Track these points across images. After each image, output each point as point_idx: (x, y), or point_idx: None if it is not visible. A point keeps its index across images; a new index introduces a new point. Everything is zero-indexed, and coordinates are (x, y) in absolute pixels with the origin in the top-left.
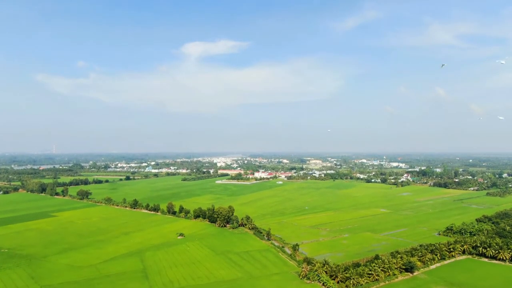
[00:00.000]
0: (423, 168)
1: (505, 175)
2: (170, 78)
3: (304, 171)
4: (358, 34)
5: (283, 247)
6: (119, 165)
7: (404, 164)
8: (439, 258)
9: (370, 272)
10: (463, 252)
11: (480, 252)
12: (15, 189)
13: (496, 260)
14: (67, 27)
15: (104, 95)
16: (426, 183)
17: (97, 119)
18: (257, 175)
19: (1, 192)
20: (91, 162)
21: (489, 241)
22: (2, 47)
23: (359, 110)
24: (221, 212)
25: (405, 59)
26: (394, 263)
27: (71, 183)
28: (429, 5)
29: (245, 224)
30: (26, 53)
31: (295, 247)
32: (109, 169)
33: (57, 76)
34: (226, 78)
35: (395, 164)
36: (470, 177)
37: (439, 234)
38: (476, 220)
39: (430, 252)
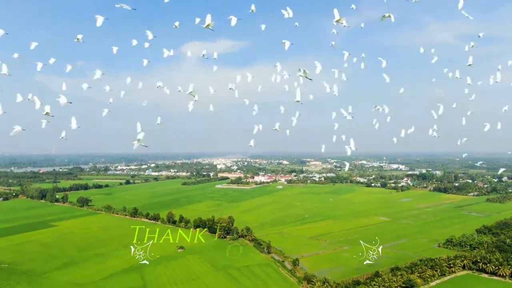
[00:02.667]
0: (423, 171)
1: (505, 178)
2: (169, 78)
3: (304, 174)
4: (357, 34)
5: (283, 261)
6: (119, 167)
7: (404, 166)
8: (439, 274)
9: None
10: (463, 267)
11: (480, 267)
12: (15, 195)
13: (496, 276)
14: (67, 27)
15: (103, 95)
16: (426, 187)
17: (96, 119)
18: (257, 179)
19: (1, 198)
20: (91, 164)
21: (489, 256)
22: (1, 47)
23: (358, 110)
24: (221, 223)
25: (404, 59)
26: (394, 281)
27: (71, 188)
28: (428, 5)
29: (245, 235)
30: (26, 53)
31: (295, 262)
32: (109, 172)
33: (56, 76)
34: (226, 78)
35: (395, 166)
36: (470, 181)
37: (439, 246)
38: (476, 230)
39: (430, 268)
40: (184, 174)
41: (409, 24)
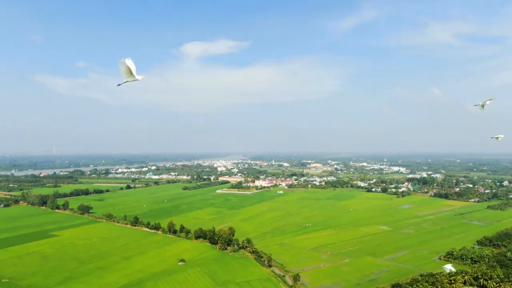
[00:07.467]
0: (424, 175)
1: (505, 182)
2: (169, 78)
3: (305, 178)
4: (357, 34)
5: (284, 276)
6: (119, 170)
7: (404, 169)
8: None
9: None
10: (464, 283)
11: (481, 284)
12: (16, 201)
13: None
14: (67, 27)
15: (104, 95)
16: (426, 192)
17: (96, 120)
18: (257, 183)
19: (2, 205)
20: (91, 166)
21: (490, 272)
22: (1, 47)
23: (358, 110)
24: (221, 235)
25: (404, 59)
26: None
27: (71, 194)
28: (428, 5)
29: (246, 247)
30: (26, 53)
31: (296, 277)
32: (109, 175)
33: (57, 77)
34: (226, 78)
35: (395, 169)
36: (471, 185)
37: (440, 259)
38: (477, 242)
39: (431, 285)
40: (184, 177)
41: (409, 24)
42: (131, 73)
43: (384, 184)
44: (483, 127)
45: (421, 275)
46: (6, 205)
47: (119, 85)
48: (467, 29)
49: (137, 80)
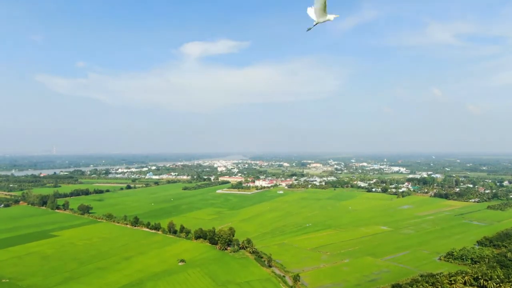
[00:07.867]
0: (424, 175)
1: (505, 182)
2: (169, 78)
3: (305, 178)
4: (357, 34)
5: (284, 276)
6: (119, 170)
7: (404, 169)
8: None
9: None
10: (464, 284)
11: (482, 284)
12: (16, 202)
13: None
14: (67, 27)
15: (103, 95)
16: (427, 192)
17: (97, 120)
18: (257, 183)
19: (2, 205)
20: (91, 166)
21: (490, 272)
22: (1, 47)
23: (358, 110)
24: (222, 235)
25: (404, 59)
26: None
27: (72, 194)
28: (428, 5)
29: (246, 247)
30: (26, 53)
31: (296, 278)
32: (109, 175)
33: (57, 77)
34: (226, 78)
35: (396, 169)
36: (471, 185)
37: (440, 259)
38: (477, 242)
39: (431, 285)
40: (185, 177)
41: (409, 24)
42: (324, 11)
43: (384, 184)
44: (483, 127)
45: (421, 276)
46: (6, 205)
47: (309, 29)
48: (467, 29)
49: (328, 20)
